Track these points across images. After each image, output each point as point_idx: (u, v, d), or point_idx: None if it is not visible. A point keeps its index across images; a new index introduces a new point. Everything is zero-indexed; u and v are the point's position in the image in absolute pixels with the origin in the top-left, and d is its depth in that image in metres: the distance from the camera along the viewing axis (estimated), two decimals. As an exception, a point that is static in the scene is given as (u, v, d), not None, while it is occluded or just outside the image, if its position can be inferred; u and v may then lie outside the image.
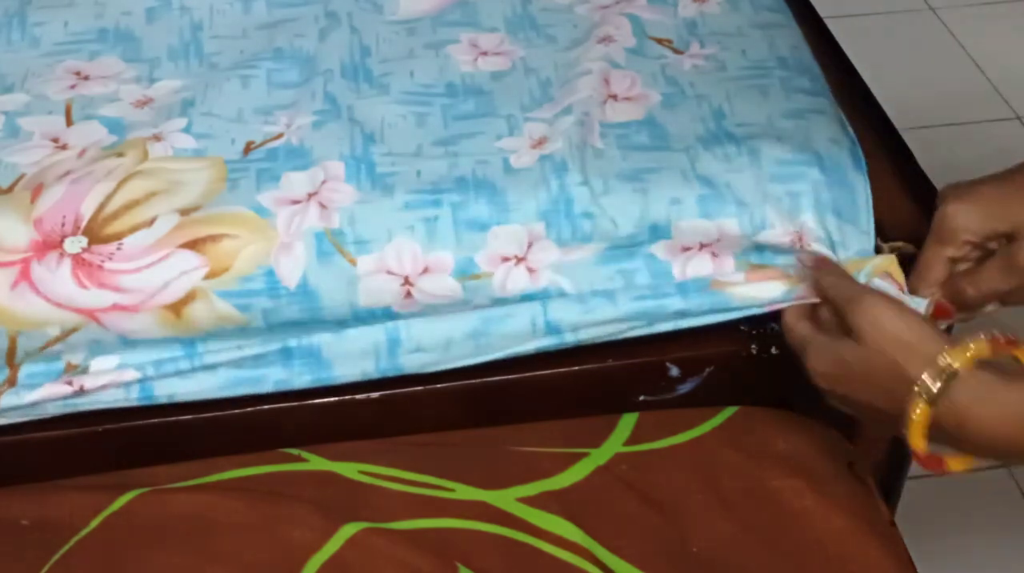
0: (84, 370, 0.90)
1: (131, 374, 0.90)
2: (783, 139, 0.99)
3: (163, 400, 0.91)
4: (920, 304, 0.87)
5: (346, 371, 0.93)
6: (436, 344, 0.92)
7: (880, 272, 0.91)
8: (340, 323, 0.92)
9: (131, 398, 0.91)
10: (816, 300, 0.90)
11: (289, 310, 0.92)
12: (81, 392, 0.90)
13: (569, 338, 0.93)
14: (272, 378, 0.92)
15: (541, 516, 0.87)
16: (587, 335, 0.93)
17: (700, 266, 0.93)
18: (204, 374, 0.91)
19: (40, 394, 0.89)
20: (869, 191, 0.97)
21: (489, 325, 0.92)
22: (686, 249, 0.94)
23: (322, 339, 0.91)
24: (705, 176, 0.96)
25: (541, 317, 0.92)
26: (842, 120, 1.03)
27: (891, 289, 0.89)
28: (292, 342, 0.91)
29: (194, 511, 0.85)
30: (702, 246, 0.94)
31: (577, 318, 0.92)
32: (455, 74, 1.07)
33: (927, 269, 0.90)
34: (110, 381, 0.90)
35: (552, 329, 0.92)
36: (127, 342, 0.89)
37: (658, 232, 0.94)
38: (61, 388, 0.89)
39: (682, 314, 0.93)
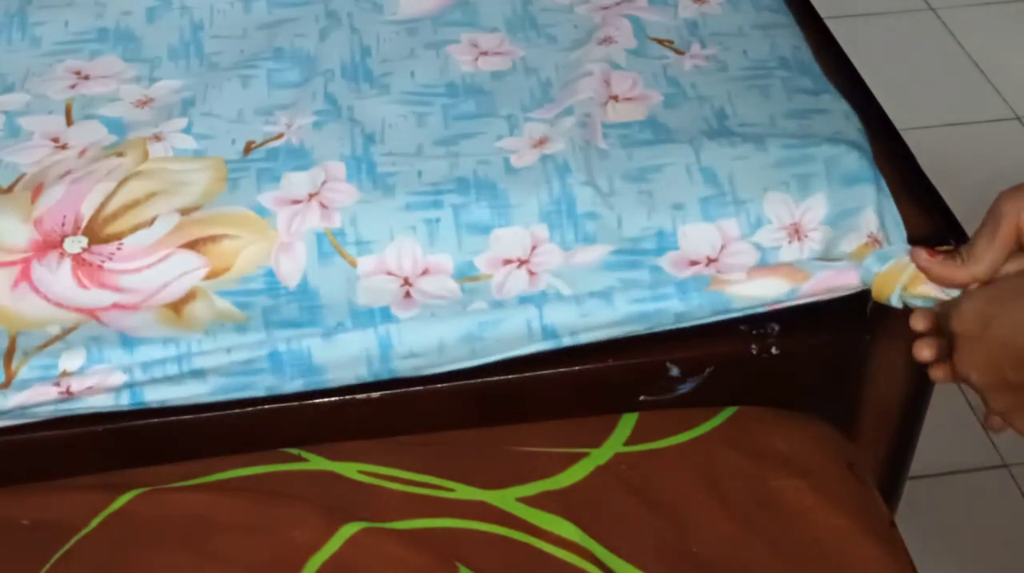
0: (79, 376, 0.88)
1: (118, 377, 0.88)
2: (786, 135, 0.99)
3: (155, 405, 0.90)
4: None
5: (338, 375, 0.91)
6: (429, 348, 0.91)
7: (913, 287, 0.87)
8: (338, 325, 0.91)
9: (122, 403, 0.89)
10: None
11: (288, 309, 0.91)
12: (68, 395, 0.88)
13: (566, 341, 0.92)
14: (262, 384, 0.90)
15: (541, 516, 0.87)
16: (585, 338, 0.93)
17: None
18: (193, 381, 0.89)
19: (27, 397, 0.87)
20: (885, 186, 0.97)
21: (484, 329, 0.91)
22: (694, 263, 0.94)
23: (312, 344, 0.89)
24: (709, 168, 0.96)
25: (537, 320, 0.91)
26: (847, 114, 1.03)
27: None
28: (282, 347, 0.89)
29: (194, 511, 0.85)
30: (709, 261, 0.94)
31: (574, 321, 0.91)
32: (455, 74, 1.07)
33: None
34: (96, 383, 0.88)
35: (549, 333, 0.92)
36: (126, 341, 0.89)
37: (665, 240, 0.94)
38: (48, 390, 0.87)
39: (681, 316, 0.93)
